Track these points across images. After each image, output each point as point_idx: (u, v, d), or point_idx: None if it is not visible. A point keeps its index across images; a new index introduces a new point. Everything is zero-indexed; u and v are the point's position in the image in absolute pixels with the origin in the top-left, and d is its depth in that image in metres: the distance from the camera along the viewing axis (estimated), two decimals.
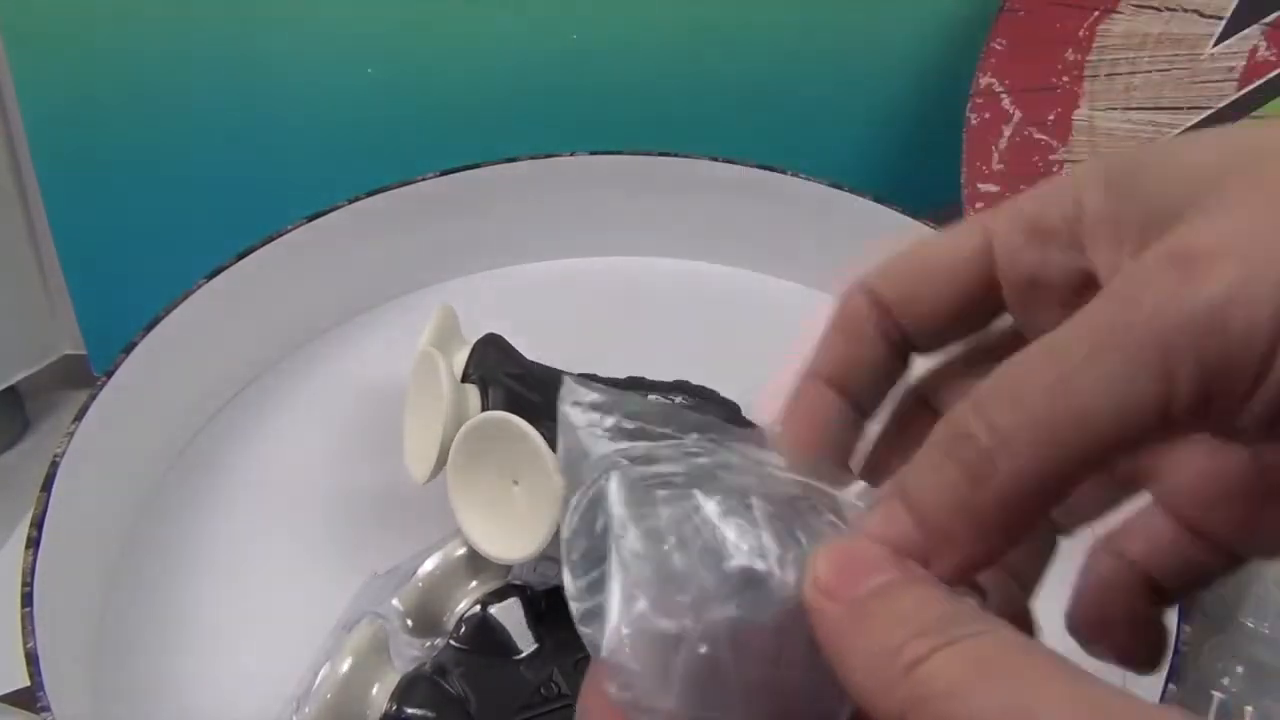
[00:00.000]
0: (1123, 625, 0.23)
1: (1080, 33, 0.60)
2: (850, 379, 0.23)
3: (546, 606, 0.43)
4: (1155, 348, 0.15)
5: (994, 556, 0.17)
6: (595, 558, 0.18)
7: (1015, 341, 0.22)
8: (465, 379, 0.48)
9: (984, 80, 0.62)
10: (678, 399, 0.51)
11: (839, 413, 0.23)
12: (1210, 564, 0.22)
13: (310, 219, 0.59)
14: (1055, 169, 0.62)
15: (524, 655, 0.42)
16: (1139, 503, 0.24)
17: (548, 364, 0.51)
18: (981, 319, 0.22)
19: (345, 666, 0.40)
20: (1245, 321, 0.15)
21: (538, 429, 0.42)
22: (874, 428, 0.24)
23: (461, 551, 0.44)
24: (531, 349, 0.51)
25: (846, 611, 0.17)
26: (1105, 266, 0.19)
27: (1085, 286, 0.20)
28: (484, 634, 0.42)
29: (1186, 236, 0.16)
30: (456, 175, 0.62)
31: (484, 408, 0.46)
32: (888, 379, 0.23)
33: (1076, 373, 0.16)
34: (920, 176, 0.68)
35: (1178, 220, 0.17)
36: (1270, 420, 0.16)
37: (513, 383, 0.47)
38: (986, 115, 0.62)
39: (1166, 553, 0.22)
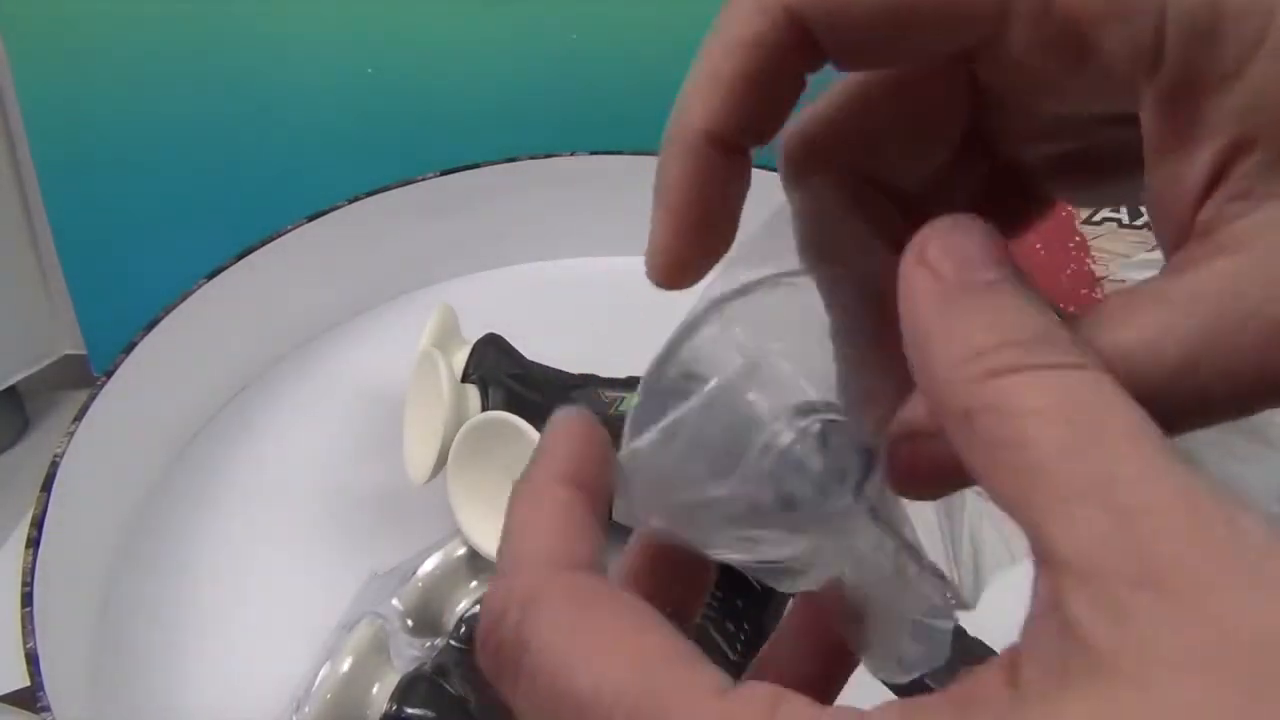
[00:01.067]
0: None
1: None
2: (753, 141, 0.19)
3: None
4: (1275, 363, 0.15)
5: None
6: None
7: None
8: (465, 379, 0.48)
9: None
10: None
11: (734, 184, 0.19)
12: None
13: (310, 219, 0.59)
14: None
15: None
16: None
17: (548, 364, 0.51)
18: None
19: (345, 666, 0.40)
20: None
21: (538, 429, 0.42)
22: None
23: (461, 551, 0.44)
24: (531, 349, 0.51)
25: (947, 292, 0.16)
26: (1158, 137, 0.17)
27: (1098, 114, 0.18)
28: None
29: None
30: (456, 175, 0.62)
31: (484, 408, 0.46)
32: (777, 130, 0.19)
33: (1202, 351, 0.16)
34: None
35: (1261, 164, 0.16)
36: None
37: (513, 383, 0.47)
38: None
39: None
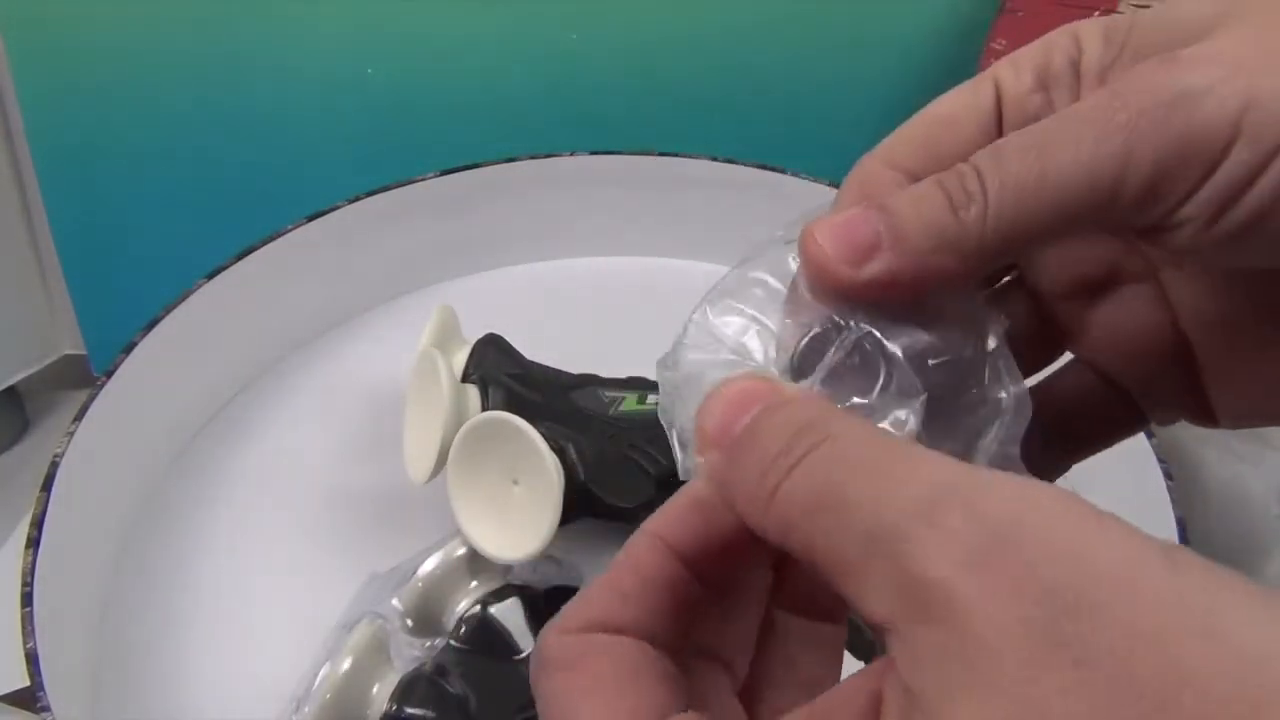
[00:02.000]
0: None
1: None
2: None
3: (546, 606, 0.43)
4: (1123, 126, 0.17)
5: (937, 278, 0.18)
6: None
7: None
8: (465, 379, 0.48)
9: None
10: None
11: None
12: (1114, 417, 0.23)
13: (310, 219, 0.59)
14: None
15: (524, 655, 0.42)
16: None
17: (548, 364, 0.51)
18: None
19: (345, 666, 0.40)
20: (1214, 110, 0.16)
21: (537, 429, 0.42)
22: None
23: (461, 551, 0.44)
24: (531, 349, 0.51)
25: (725, 457, 0.18)
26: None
27: None
28: (484, 634, 0.42)
29: (1183, 54, 0.17)
30: (456, 175, 0.62)
31: (484, 408, 0.46)
32: None
33: (1049, 139, 0.17)
34: None
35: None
36: (1209, 221, 0.17)
37: (513, 383, 0.47)
38: None
39: (1075, 401, 0.23)
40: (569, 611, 0.19)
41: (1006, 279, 0.24)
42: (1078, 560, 0.13)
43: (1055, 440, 0.23)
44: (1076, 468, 0.60)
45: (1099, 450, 0.24)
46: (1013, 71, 0.21)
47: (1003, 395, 0.20)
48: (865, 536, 0.15)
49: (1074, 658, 0.12)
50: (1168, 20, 0.19)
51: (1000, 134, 0.21)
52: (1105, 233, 0.19)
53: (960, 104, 0.21)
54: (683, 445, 0.21)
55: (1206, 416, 0.22)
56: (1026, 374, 0.22)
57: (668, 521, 0.19)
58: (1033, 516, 0.14)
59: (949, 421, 0.20)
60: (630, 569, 0.19)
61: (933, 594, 0.14)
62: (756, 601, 0.21)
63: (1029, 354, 0.23)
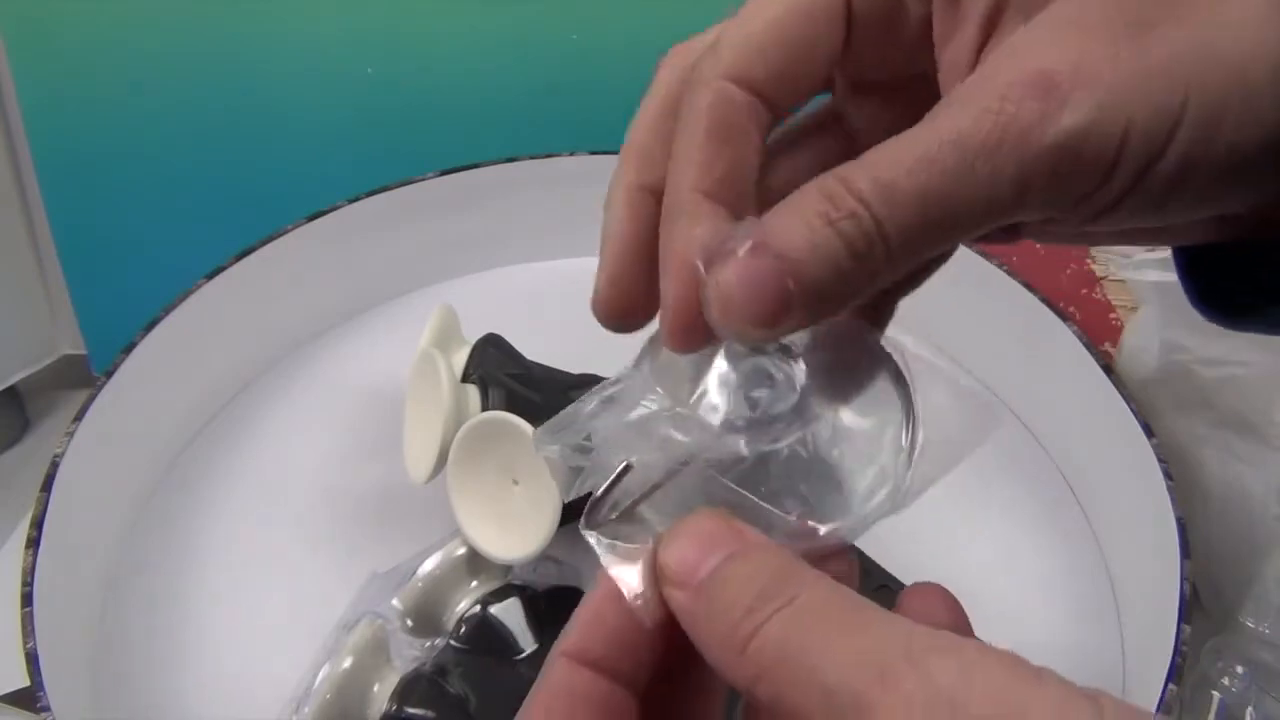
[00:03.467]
0: None
1: None
2: (737, 190, 0.21)
3: (546, 606, 0.43)
4: (1017, 167, 0.17)
5: (839, 308, 0.19)
6: None
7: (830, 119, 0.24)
8: (465, 379, 0.48)
9: None
10: None
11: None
12: None
13: (310, 219, 0.59)
14: None
15: (524, 655, 0.42)
16: None
17: (548, 364, 0.51)
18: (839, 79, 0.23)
19: (345, 666, 0.40)
20: (1095, 149, 0.17)
21: (537, 429, 0.41)
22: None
23: (461, 551, 0.44)
24: (531, 349, 0.51)
25: (692, 598, 0.19)
26: (941, 34, 0.21)
27: (921, 46, 0.21)
28: (484, 634, 0.42)
29: (1052, 50, 0.18)
30: (456, 175, 0.62)
31: (484, 408, 0.46)
32: (754, 174, 0.22)
33: (948, 180, 0.18)
34: None
35: (1042, 6, 0.19)
36: (1093, 217, 0.18)
37: (513, 383, 0.47)
38: None
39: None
40: None
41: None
42: (1021, 716, 0.15)
43: None
44: (1075, 470, 0.60)
45: None
46: None
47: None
48: (825, 696, 0.16)
49: None
50: None
51: (848, 30, 0.21)
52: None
53: (811, 9, 0.21)
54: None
55: None
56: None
57: (577, 638, 0.20)
58: (979, 677, 0.15)
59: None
60: (556, 693, 0.20)
61: None
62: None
63: None
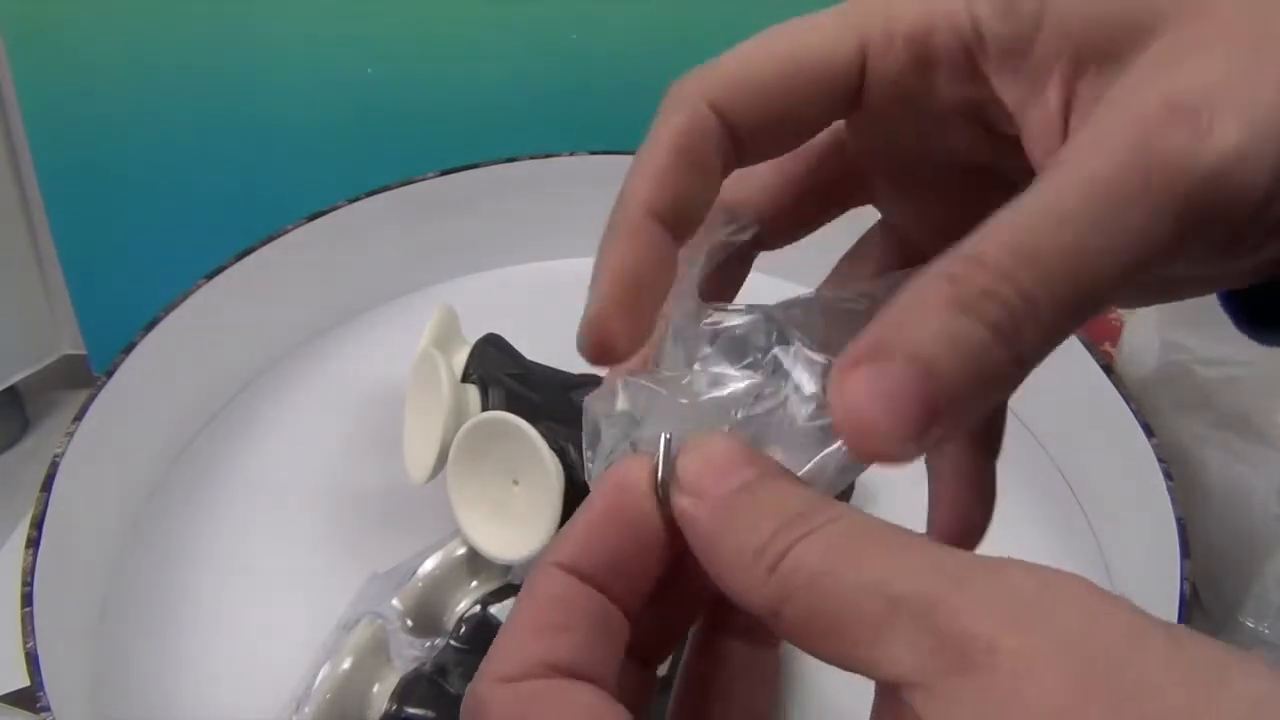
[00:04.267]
0: None
1: None
2: (685, 217, 0.20)
3: None
4: (1171, 206, 0.15)
5: (990, 407, 0.17)
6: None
7: (837, 161, 0.22)
8: (465, 379, 0.48)
9: None
10: None
11: (668, 257, 0.20)
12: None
13: (310, 219, 0.59)
14: None
15: None
16: None
17: (548, 364, 0.51)
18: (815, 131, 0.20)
19: (345, 666, 0.40)
20: (1248, 177, 0.15)
21: (537, 429, 0.42)
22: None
23: (461, 551, 0.44)
24: (531, 349, 0.51)
25: (711, 512, 0.17)
26: (1017, 101, 0.18)
27: (977, 116, 0.19)
28: (484, 634, 0.42)
29: (1175, 82, 0.16)
30: (456, 175, 0.62)
31: (484, 408, 0.46)
32: (707, 208, 0.21)
33: (1098, 234, 0.16)
34: None
35: (1132, 53, 0.17)
36: (1257, 248, 0.17)
37: (513, 383, 0.47)
38: None
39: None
40: (501, 656, 0.18)
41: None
42: (1109, 628, 0.14)
43: None
44: (1075, 470, 0.60)
45: None
46: (884, 36, 0.19)
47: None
48: (887, 598, 0.15)
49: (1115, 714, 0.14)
50: (1094, 4, 0.17)
51: (859, 102, 0.19)
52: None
53: (818, 60, 0.19)
54: (594, 448, 0.21)
55: None
56: None
57: (573, 550, 0.19)
58: (1059, 587, 0.15)
59: None
60: (550, 604, 0.18)
61: (975, 647, 0.14)
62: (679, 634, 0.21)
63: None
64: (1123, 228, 0.15)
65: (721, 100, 0.19)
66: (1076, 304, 0.16)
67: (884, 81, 0.19)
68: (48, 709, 0.38)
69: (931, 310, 0.16)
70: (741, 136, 0.20)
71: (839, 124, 0.21)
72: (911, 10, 0.18)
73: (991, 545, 0.55)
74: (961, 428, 0.16)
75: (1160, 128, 0.16)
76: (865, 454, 0.16)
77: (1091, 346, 0.51)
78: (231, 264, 0.56)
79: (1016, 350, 0.16)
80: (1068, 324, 0.16)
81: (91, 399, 0.48)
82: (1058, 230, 0.16)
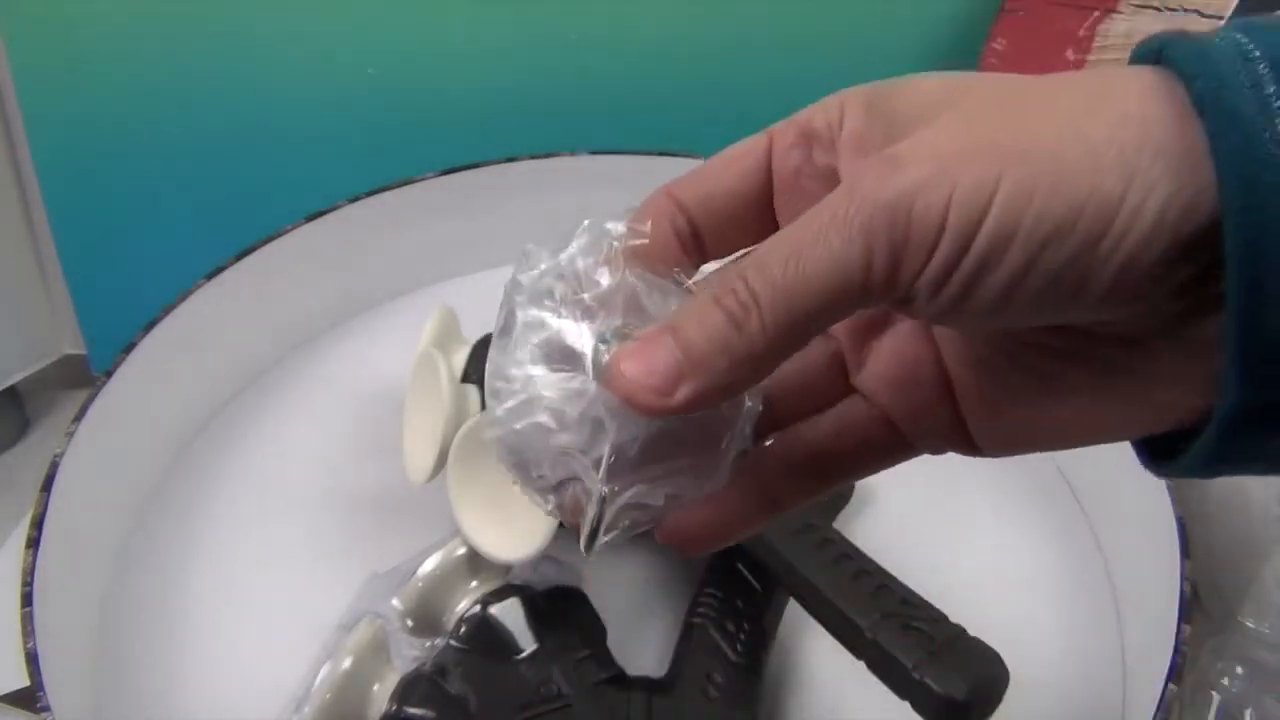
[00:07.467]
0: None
1: (1080, 33, 0.60)
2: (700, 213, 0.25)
3: (546, 606, 0.43)
4: (861, 228, 0.20)
5: (737, 386, 0.21)
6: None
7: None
8: (465, 379, 0.48)
9: None
10: None
11: None
12: (887, 446, 0.26)
13: (310, 219, 0.59)
14: None
15: (524, 655, 0.42)
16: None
17: None
18: (765, 227, 0.25)
19: (345, 666, 0.40)
20: (925, 206, 0.19)
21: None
22: None
23: (461, 551, 0.44)
24: None
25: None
26: (848, 172, 0.23)
27: (835, 184, 0.23)
28: (484, 634, 0.42)
29: (898, 145, 0.21)
30: (456, 175, 0.62)
31: (484, 408, 0.46)
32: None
33: (806, 248, 0.20)
34: None
35: (903, 136, 0.21)
36: (931, 295, 0.20)
37: None
38: None
39: (849, 430, 0.26)
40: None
41: None
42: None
43: (819, 471, 0.25)
44: (1075, 470, 0.60)
45: (861, 477, 0.26)
46: (784, 127, 0.24)
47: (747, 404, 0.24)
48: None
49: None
50: (909, 97, 0.22)
51: (769, 179, 0.24)
52: (865, 309, 0.22)
53: (740, 150, 0.25)
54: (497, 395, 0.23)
55: (970, 446, 0.25)
56: (821, 409, 0.26)
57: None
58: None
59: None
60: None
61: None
62: None
63: (824, 388, 0.26)
64: (826, 247, 0.20)
65: (675, 188, 0.25)
66: (789, 305, 0.20)
67: (779, 154, 0.24)
68: (48, 709, 0.38)
69: (699, 303, 0.21)
70: (690, 212, 0.25)
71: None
72: (807, 111, 0.24)
73: (992, 545, 0.55)
74: (712, 393, 0.21)
75: (867, 172, 0.20)
76: (627, 399, 0.21)
77: None
78: (231, 264, 0.56)
79: (744, 333, 0.21)
80: (785, 320, 0.20)
81: (91, 399, 0.48)
82: (779, 245, 0.20)
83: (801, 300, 0.20)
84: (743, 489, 0.25)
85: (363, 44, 0.65)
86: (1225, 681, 0.47)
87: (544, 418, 0.22)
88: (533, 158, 0.64)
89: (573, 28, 0.66)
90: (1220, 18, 0.57)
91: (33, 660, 0.39)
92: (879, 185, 0.20)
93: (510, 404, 0.23)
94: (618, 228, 0.24)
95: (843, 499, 0.50)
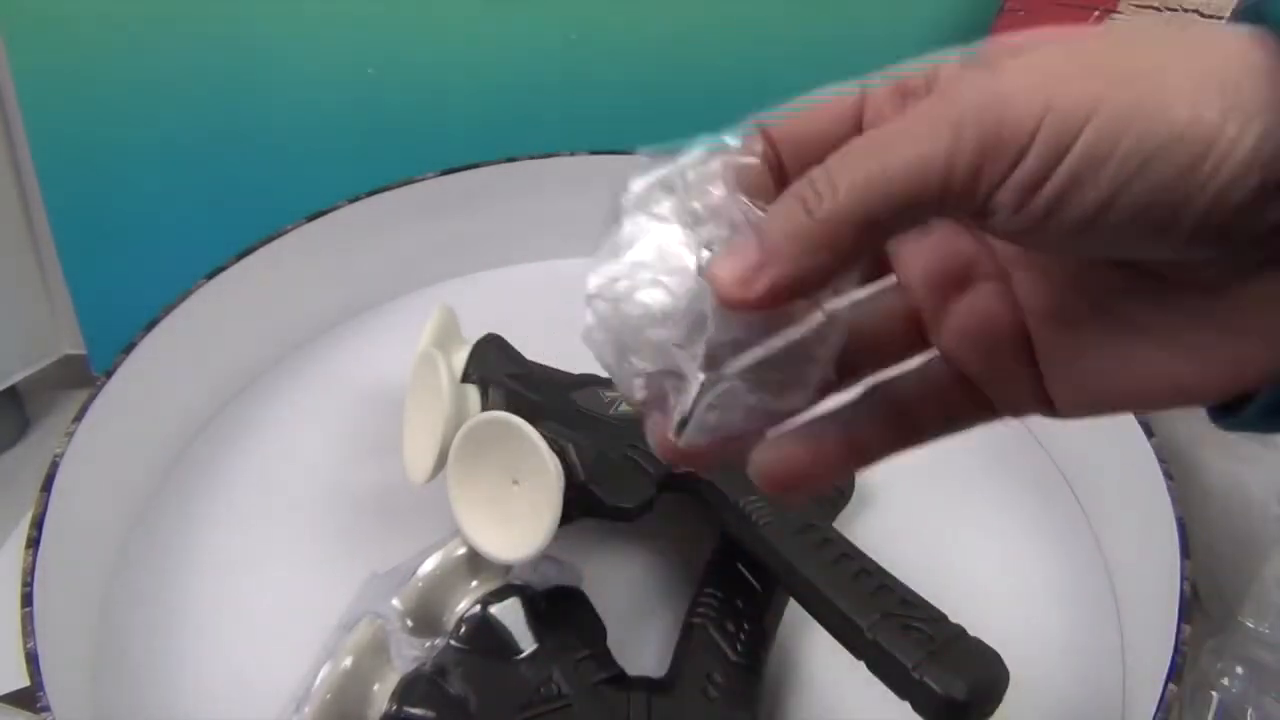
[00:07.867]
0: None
1: None
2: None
3: (546, 606, 0.43)
4: (949, 123, 0.19)
5: (811, 277, 0.21)
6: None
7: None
8: (465, 379, 0.48)
9: None
10: None
11: None
12: (965, 406, 0.25)
13: (310, 219, 0.59)
14: None
15: (524, 655, 0.42)
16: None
17: (548, 364, 0.51)
18: None
19: (345, 666, 0.40)
20: (1018, 111, 0.19)
21: (537, 429, 0.42)
22: None
23: (461, 551, 0.44)
24: (531, 349, 0.51)
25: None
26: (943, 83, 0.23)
27: None
28: (484, 634, 0.42)
29: (1001, 61, 0.20)
30: (456, 175, 0.62)
31: (484, 408, 0.46)
32: None
33: (888, 138, 0.20)
34: None
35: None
36: (1015, 207, 0.20)
37: (513, 383, 0.47)
38: None
39: (928, 391, 0.25)
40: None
41: (885, 280, 0.27)
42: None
43: (903, 427, 0.25)
44: (1076, 471, 0.60)
45: (943, 437, 0.26)
46: (881, 84, 0.24)
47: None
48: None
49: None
50: (1007, 47, 0.22)
51: (858, 128, 0.24)
52: (944, 219, 0.22)
53: (833, 98, 0.24)
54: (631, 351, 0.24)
55: (1049, 407, 0.24)
56: (895, 362, 0.25)
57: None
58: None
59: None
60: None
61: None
62: None
63: (901, 345, 0.26)
64: (910, 138, 0.20)
65: (770, 130, 0.25)
66: (866, 194, 0.20)
67: (872, 104, 0.24)
68: (48, 709, 0.38)
69: (783, 196, 0.21)
70: (782, 156, 0.25)
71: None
72: (905, 71, 0.24)
73: (992, 545, 0.55)
74: (789, 282, 0.21)
75: (963, 76, 0.20)
76: (720, 299, 0.21)
77: None
78: (231, 264, 0.56)
79: (815, 218, 0.20)
80: (859, 210, 0.20)
81: (91, 399, 0.48)
82: (866, 138, 0.21)
83: (880, 191, 0.20)
84: (836, 437, 0.25)
85: (363, 44, 0.65)
86: (1225, 681, 0.47)
87: (651, 305, 0.23)
88: (532, 158, 0.64)
89: (573, 28, 0.66)
90: (1219, 18, 0.57)
91: (33, 660, 0.39)
92: (973, 87, 0.19)
93: (620, 286, 0.24)
94: (733, 143, 0.25)
95: (843, 499, 0.50)
